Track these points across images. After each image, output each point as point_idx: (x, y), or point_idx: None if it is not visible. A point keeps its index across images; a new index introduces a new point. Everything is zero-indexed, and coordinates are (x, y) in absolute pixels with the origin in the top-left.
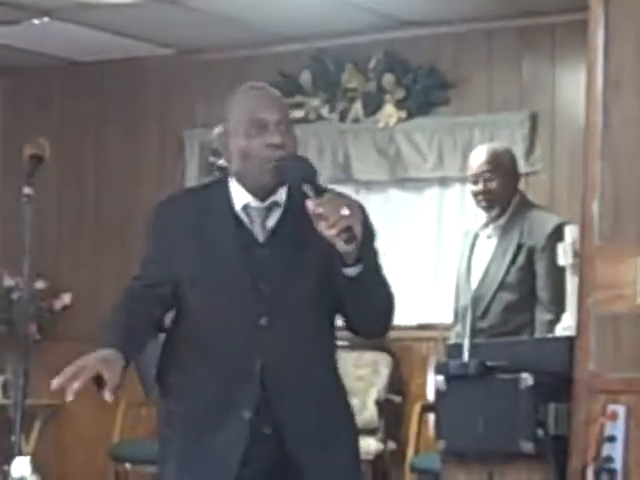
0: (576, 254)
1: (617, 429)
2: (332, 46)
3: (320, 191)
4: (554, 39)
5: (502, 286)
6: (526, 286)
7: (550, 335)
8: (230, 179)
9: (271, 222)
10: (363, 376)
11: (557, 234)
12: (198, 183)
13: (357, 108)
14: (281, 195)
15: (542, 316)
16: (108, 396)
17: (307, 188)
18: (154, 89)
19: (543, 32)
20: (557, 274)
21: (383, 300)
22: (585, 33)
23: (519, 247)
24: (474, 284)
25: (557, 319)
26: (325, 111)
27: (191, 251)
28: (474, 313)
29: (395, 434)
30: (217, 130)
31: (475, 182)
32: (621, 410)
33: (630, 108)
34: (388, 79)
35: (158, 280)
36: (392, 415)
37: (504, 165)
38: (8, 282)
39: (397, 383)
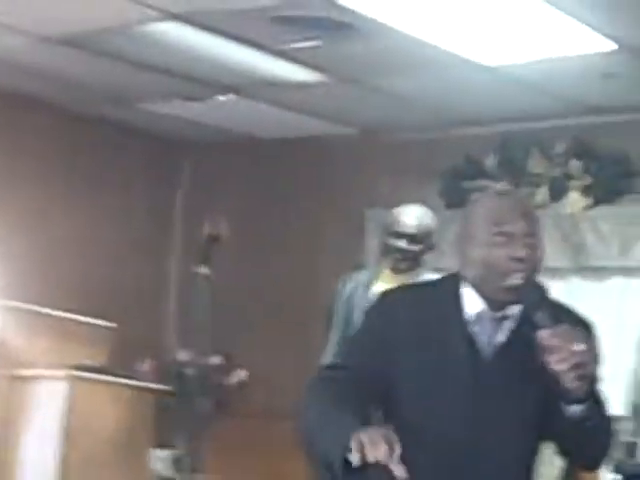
0: None
1: None
2: (518, 130)
3: (554, 318)
4: None
5: None
6: None
7: None
8: (462, 283)
9: (501, 337)
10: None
11: None
12: (378, 263)
13: (542, 193)
14: (514, 310)
15: None
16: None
17: (541, 317)
18: (336, 168)
19: None
20: None
21: (603, 439)
22: None
23: None
24: None
25: None
26: None
27: (411, 347)
28: None
29: None
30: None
31: None
32: None
33: None
34: (575, 165)
35: (370, 374)
36: None
37: None
38: (182, 356)
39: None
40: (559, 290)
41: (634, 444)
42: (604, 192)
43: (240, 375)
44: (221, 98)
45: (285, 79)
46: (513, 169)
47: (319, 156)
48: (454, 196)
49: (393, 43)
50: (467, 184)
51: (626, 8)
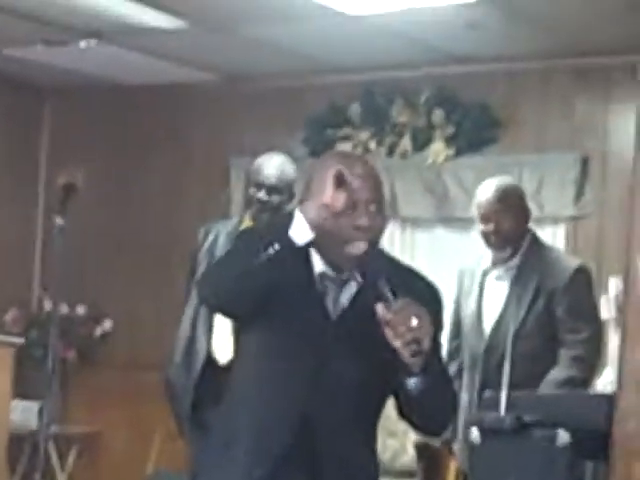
0: (619, 307)
1: None
2: (383, 79)
3: (394, 291)
4: (608, 80)
5: (520, 334)
6: (547, 333)
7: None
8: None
9: (344, 300)
10: None
11: (579, 275)
12: (243, 212)
13: (405, 143)
14: (357, 274)
15: (561, 370)
16: None
17: (381, 285)
18: (201, 116)
19: (598, 73)
20: (580, 321)
21: (444, 404)
22: None
23: (537, 290)
24: (486, 330)
25: (580, 370)
26: (373, 145)
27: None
28: (488, 363)
29: (433, 478)
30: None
31: (486, 221)
32: None
33: None
34: (438, 115)
35: None
36: (431, 459)
37: (515, 203)
38: (48, 306)
39: None
40: (423, 240)
41: (494, 398)
42: (467, 142)
43: (105, 326)
44: (83, 44)
45: (149, 25)
46: (377, 118)
47: (183, 103)
48: (318, 144)
49: None
50: (331, 132)
51: None
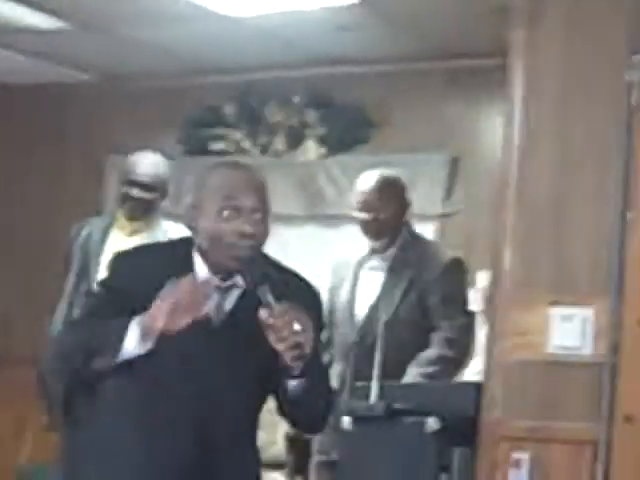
0: (487, 300)
1: (521, 477)
2: (258, 80)
3: (277, 295)
4: (478, 82)
5: (393, 323)
6: (420, 323)
7: (461, 380)
8: (194, 248)
9: (228, 305)
10: (273, 409)
11: (452, 267)
12: (116, 210)
13: (279, 142)
14: (240, 279)
15: (433, 350)
16: None
17: (263, 290)
18: (79, 115)
19: (468, 75)
20: (454, 309)
21: (323, 403)
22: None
23: (411, 281)
24: (359, 319)
25: (453, 350)
26: (247, 144)
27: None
28: (359, 352)
29: (303, 470)
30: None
31: (365, 210)
32: (525, 458)
33: (545, 159)
34: (311, 115)
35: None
36: (300, 451)
37: (395, 194)
38: None
39: None
40: (295, 238)
41: (366, 387)
42: (339, 142)
43: None
44: None
45: (28, 25)
46: (251, 118)
47: (62, 102)
48: (193, 143)
49: None
50: (206, 132)
51: None
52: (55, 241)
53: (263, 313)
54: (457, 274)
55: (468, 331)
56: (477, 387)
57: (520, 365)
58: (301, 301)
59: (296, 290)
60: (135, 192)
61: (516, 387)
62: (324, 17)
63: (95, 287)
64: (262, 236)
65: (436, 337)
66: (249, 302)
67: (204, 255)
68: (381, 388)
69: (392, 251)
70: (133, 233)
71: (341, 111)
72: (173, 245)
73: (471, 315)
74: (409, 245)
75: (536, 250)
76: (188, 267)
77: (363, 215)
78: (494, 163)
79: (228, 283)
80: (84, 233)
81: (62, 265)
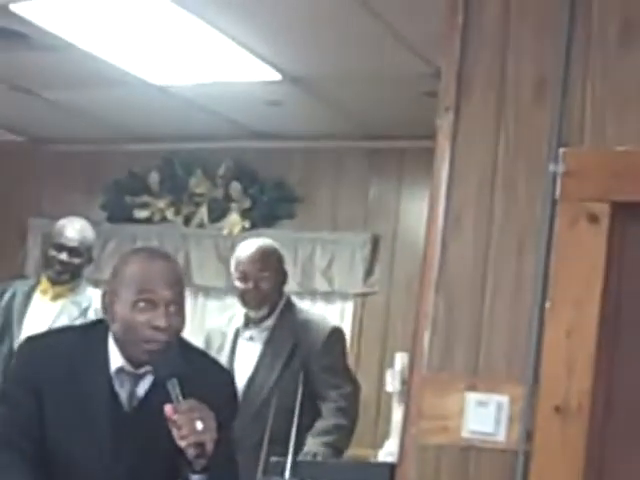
0: (404, 381)
1: None
2: (183, 149)
3: (184, 392)
4: (402, 164)
5: (274, 391)
6: (305, 389)
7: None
8: (109, 336)
9: (140, 392)
10: None
11: (334, 336)
12: (39, 273)
13: (202, 213)
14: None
15: (328, 420)
16: None
17: (172, 384)
18: (2, 176)
19: (391, 156)
20: (340, 379)
21: None
22: (432, 162)
23: (292, 351)
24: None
25: (346, 419)
26: (170, 214)
27: (60, 407)
28: (241, 421)
29: None
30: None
31: (245, 280)
32: None
33: (467, 244)
34: (235, 188)
35: (26, 418)
36: None
37: (275, 264)
38: None
39: None
40: (215, 309)
41: (281, 463)
42: (263, 216)
43: None
44: None
45: None
46: (175, 187)
47: None
48: (116, 210)
49: (67, 56)
50: (129, 199)
51: (290, 41)
52: None
53: (168, 409)
54: (338, 343)
55: (357, 398)
56: (391, 468)
57: (435, 448)
58: (212, 392)
59: (208, 374)
60: (63, 256)
61: (430, 470)
62: (251, 91)
63: None
64: (177, 328)
65: (327, 407)
66: (161, 390)
67: (117, 343)
68: (295, 464)
69: (270, 321)
70: (57, 297)
71: (265, 185)
72: (91, 329)
73: (357, 383)
74: (286, 315)
75: (455, 334)
76: (104, 354)
77: (243, 285)
78: (414, 244)
79: (141, 371)
80: (7, 295)
81: None
